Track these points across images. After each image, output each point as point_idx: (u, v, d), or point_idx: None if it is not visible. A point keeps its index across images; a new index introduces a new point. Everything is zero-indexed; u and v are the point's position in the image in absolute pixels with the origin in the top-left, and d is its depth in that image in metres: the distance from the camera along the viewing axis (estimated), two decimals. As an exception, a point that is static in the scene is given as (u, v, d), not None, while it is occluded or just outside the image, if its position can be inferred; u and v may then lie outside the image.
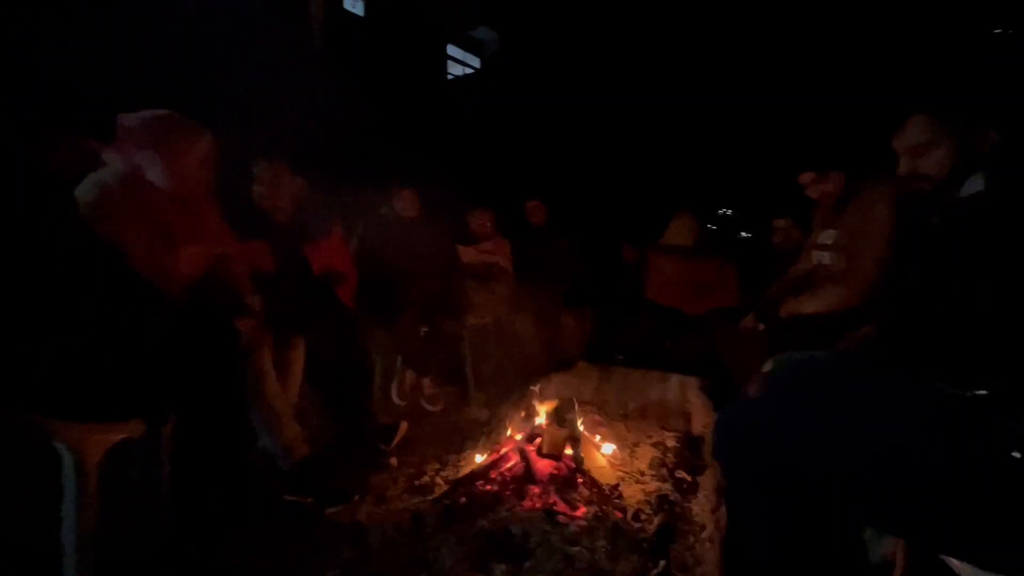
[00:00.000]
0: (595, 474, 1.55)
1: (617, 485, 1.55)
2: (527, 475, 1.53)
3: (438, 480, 1.70)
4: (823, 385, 0.88)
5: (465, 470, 1.70)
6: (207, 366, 1.22)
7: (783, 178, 2.09)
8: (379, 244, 2.61)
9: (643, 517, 1.41)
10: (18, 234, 1.12)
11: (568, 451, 1.60)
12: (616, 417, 2.14)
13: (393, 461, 1.85)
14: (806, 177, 1.89)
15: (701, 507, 1.46)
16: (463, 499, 1.45)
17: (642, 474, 1.65)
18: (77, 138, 1.42)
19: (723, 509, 1.39)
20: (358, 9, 8.65)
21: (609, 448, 1.77)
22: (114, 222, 1.26)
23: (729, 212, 8.95)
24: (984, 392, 0.77)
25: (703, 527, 1.37)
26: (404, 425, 2.01)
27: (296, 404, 1.85)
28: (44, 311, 1.08)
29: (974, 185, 1.08)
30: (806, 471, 0.79)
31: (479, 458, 1.74)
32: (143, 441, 1.19)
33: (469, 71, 10.78)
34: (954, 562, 0.80)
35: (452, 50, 10.36)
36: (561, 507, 1.39)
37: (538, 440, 1.64)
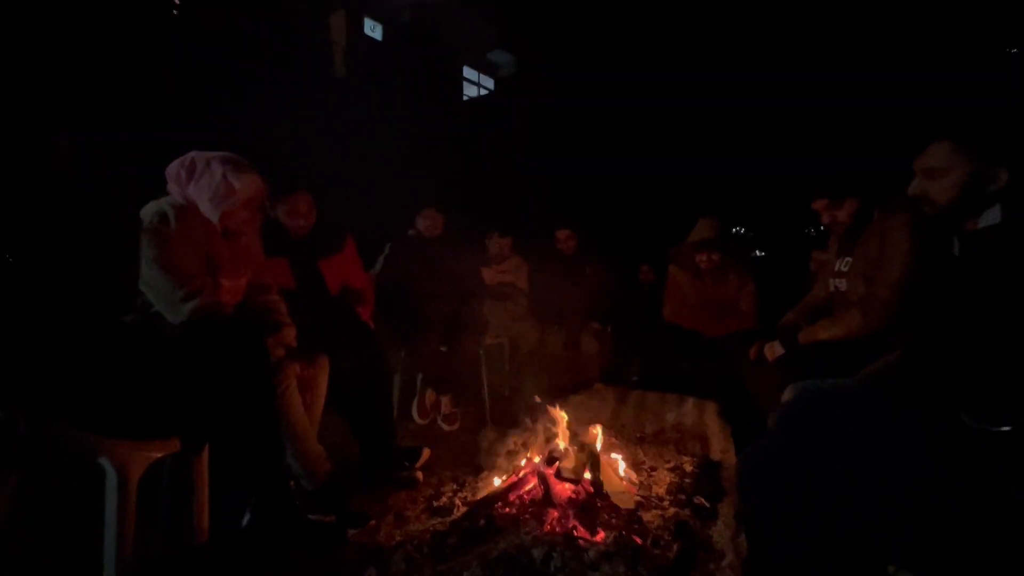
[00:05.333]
0: (614, 499, 1.55)
1: (636, 510, 1.55)
2: (546, 499, 1.54)
3: (456, 501, 1.72)
4: (844, 418, 0.89)
5: (483, 492, 1.71)
6: (240, 385, 1.26)
7: (799, 202, 2.11)
8: (404, 264, 2.67)
9: (662, 543, 1.41)
10: (68, 254, 1.19)
11: (587, 475, 1.60)
12: (632, 440, 2.14)
13: (419, 474, 1.88)
14: (820, 203, 1.91)
15: (721, 534, 1.45)
16: (482, 522, 1.47)
17: (660, 499, 1.65)
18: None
19: (743, 537, 1.38)
20: (377, 34, 8.95)
21: (627, 474, 1.77)
22: (168, 248, 1.35)
23: (742, 231, 8.94)
24: (1008, 429, 0.78)
25: (723, 554, 1.36)
26: (427, 452, 2.03)
27: (319, 423, 1.89)
28: (89, 332, 1.14)
29: (992, 216, 1.09)
30: (830, 505, 0.80)
31: (497, 480, 1.76)
32: (177, 459, 1.23)
33: (484, 92, 11.01)
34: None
35: (468, 72, 10.61)
36: (580, 531, 1.40)
37: (557, 463, 1.65)
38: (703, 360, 2.63)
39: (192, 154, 1.54)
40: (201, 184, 1.50)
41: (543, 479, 1.58)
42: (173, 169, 1.53)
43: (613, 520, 1.47)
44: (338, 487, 1.71)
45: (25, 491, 1.08)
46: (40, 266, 1.10)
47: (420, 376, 2.69)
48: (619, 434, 2.15)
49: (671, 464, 1.90)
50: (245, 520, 1.39)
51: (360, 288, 2.30)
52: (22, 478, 1.06)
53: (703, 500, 1.61)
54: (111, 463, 1.01)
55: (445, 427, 2.58)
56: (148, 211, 1.47)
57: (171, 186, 1.54)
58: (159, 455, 1.10)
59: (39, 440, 1.01)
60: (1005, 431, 0.78)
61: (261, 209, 1.82)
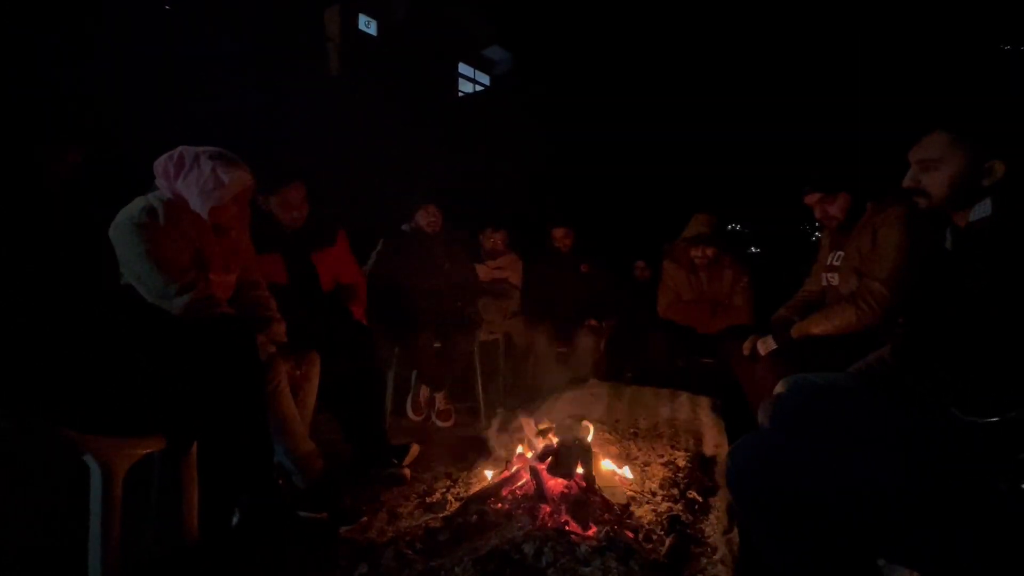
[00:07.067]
0: (606, 493, 1.55)
1: (628, 505, 1.55)
2: (538, 494, 1.53)
3: (449, 497, 1.72)
4: (835, 412, 0.89)
5: (476, 488, 1.70)
6: (231, 382, 1.25)
7: (792, 196, 2.11)
8: (398, 260, 2.66)
9: (655, 538, 1.41)
10: (50, 252, 1.17)
11: (579, 470, 1.60)
12: (627, 435, 2.13)
13: (406, 472, 1.87)
14: (812, 198, 1.91)
15: (713, 528, 1.45)
16: (474, 517, 1.46)
17: (653, 494, 1.65)
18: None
19: (736, 531, 1.38)
20: (372, 29, 8.91)
21: (620, 469, 1.77)
22: (157, 242, 1.33)
23: (738, 227, 8.96)
24: (996, 420, 0.78)
25: (715, 549, 1.36)
26: (416, 448, 2.02)
27: (310, 420, 1.88)
28: (75, 329, 1.12)
29: (983, 210, 1.09)
30: (820, 499, 0.80)
31: (490, 475, 1.75)
32: (167, 457, 1.22)
33: (480, 88, 10.97)
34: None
35: (463, 68, 10.57)
36: (573, 526, 1.40)
37: (549, 459, 1.64)
38: (697, 355, 2.64)
39: (180, 148, 1.53)
40: (190, 179, 1.48)
41: (535, 474, 1.57)
42: (161, 164, 1.51)
43: (606, 515, 1.46)
44: (330, 484, 1.71)
45: (10, 489, 1.07)
46: (36, 267, 1.09)
47: (415, 373, 2.68)
48: (613, 429, 2.15)
49: (664, 459, 1.90)
50: (236, 518, 1.38)
51: (353, 284, 2.28)
52: (6, 476, 1.05)
53: (696, 495, 1.61)
54: (95, 460, 1.00)
55: (439, 423, 2.58)
56: (136, 207, 1.45)
57: (159, 180, 1.52)
58: (144, 452, 1.09)
59: (23, 437, 1.00)
60: (993, 422, 0.78)
61: (251, 204, 1.80)
